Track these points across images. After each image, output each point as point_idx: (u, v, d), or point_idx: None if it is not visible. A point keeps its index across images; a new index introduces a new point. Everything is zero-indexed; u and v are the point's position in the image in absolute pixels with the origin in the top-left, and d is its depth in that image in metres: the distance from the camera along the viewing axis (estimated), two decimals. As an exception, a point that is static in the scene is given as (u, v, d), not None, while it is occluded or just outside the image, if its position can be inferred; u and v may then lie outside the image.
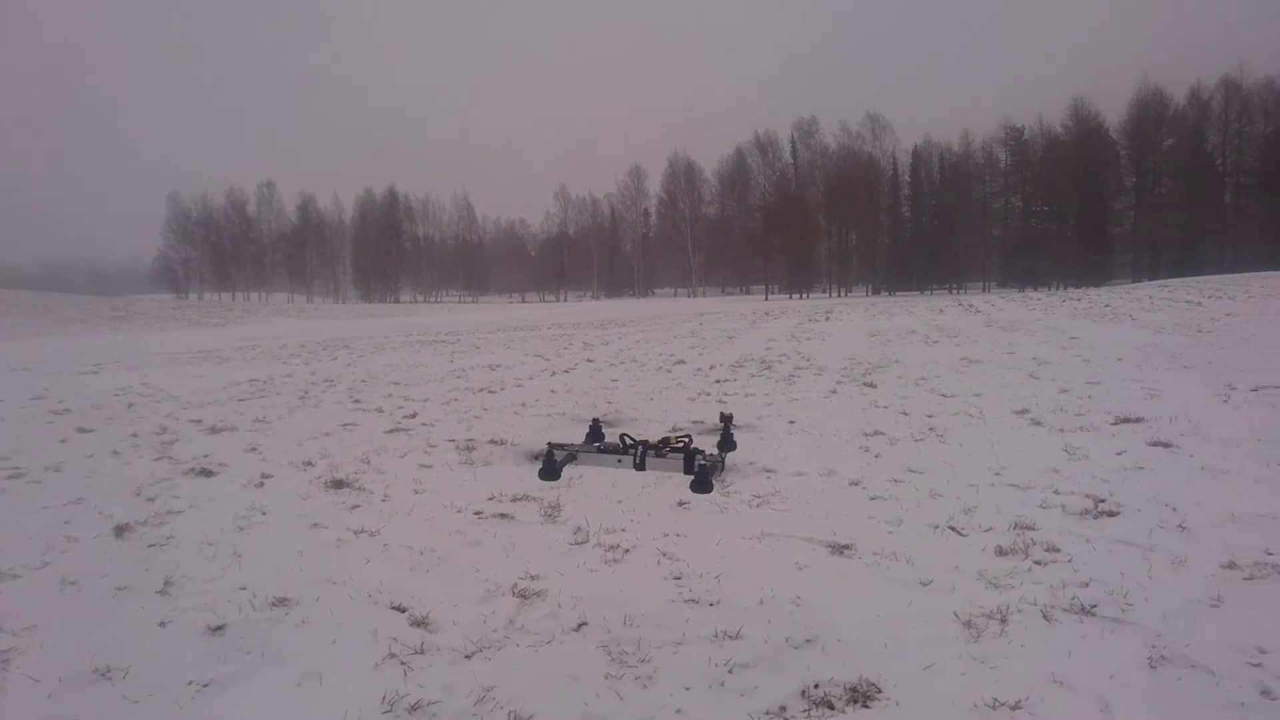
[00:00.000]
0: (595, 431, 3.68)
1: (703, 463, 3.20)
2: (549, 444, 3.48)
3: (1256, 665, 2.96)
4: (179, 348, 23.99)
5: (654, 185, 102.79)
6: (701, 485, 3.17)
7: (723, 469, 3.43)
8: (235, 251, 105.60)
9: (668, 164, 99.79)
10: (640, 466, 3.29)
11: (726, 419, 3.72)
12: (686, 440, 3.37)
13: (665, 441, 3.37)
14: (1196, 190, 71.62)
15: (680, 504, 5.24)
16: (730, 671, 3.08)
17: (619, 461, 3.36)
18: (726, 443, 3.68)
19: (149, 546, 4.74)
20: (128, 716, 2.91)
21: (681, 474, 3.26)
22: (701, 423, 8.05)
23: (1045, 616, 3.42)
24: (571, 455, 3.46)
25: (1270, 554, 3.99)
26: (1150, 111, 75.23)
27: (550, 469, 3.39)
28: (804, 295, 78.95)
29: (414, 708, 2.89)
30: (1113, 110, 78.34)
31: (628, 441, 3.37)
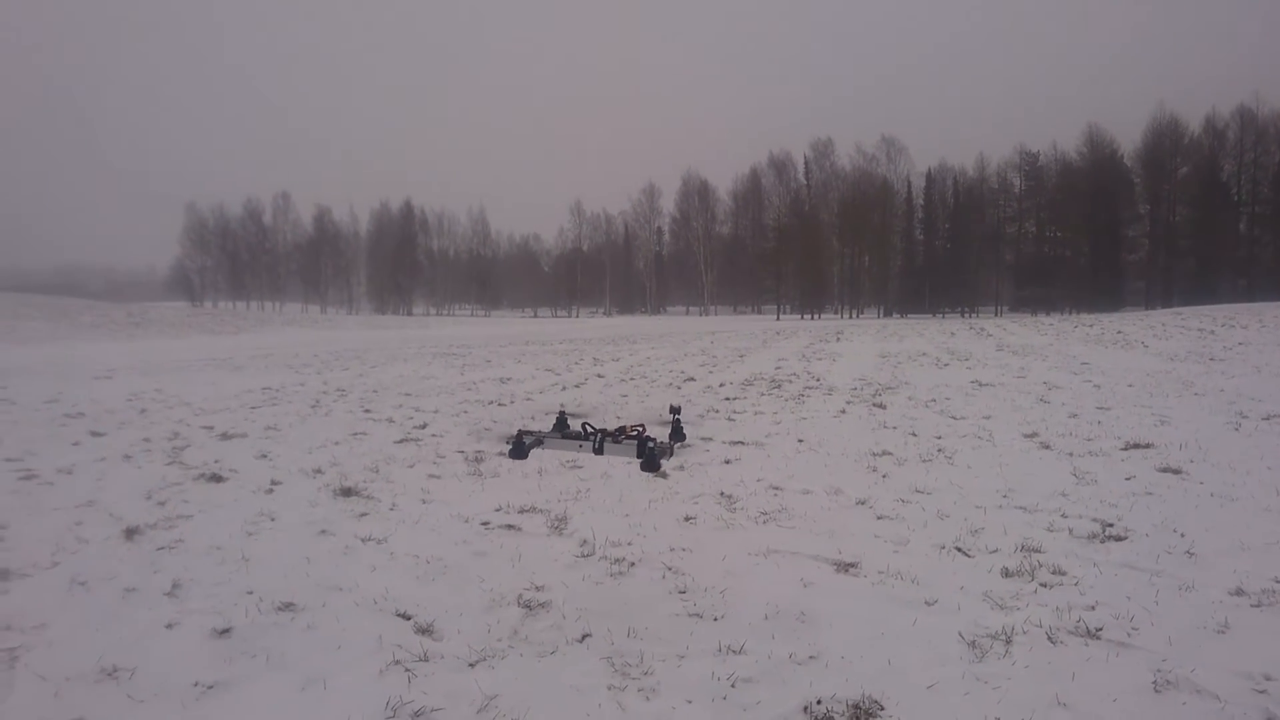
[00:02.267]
0: (561, 420, 4.03)
1: (651, 446, 3.52)
2: (520, 429, 3.89)
3: (1262, 692, 2.95)
4: (193, 355, 24.13)
5: (668, 203, 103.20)
6: (650, 465, 3.51)
7: (671, 454, 3.76)
8: (251, 261, 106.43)
9: (681, 183, 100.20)
10: (599, 451, 3.63)
11: (676, 410, 4.02)
12: (640, 429, 3.78)
13: (621, 430, 3.76)
14: (1210, 219, 71.35)
15: (687, 519, 5.25)
16: (733, 686, 3.08)
17: (580, 446, 3.68)
18: (676, 433, 3.96)
19: (158, 549, 4.77)
20: (133, 716, 2.93)
21: (635, 457, 3.56)
22: (710, 439, 8.05)
23: (1050, 639, 3.41)
24: (539, 440, 3.82)
25: (1278, 582, 3.97)
26: (1165, 139, 75.09)
27: (519, 449, 3.77)
28: (815, 316, 78.95)
29: (417, 715, 2.90)
30: (1128, 137, 78.35)
31: (589, 430, 3.71)
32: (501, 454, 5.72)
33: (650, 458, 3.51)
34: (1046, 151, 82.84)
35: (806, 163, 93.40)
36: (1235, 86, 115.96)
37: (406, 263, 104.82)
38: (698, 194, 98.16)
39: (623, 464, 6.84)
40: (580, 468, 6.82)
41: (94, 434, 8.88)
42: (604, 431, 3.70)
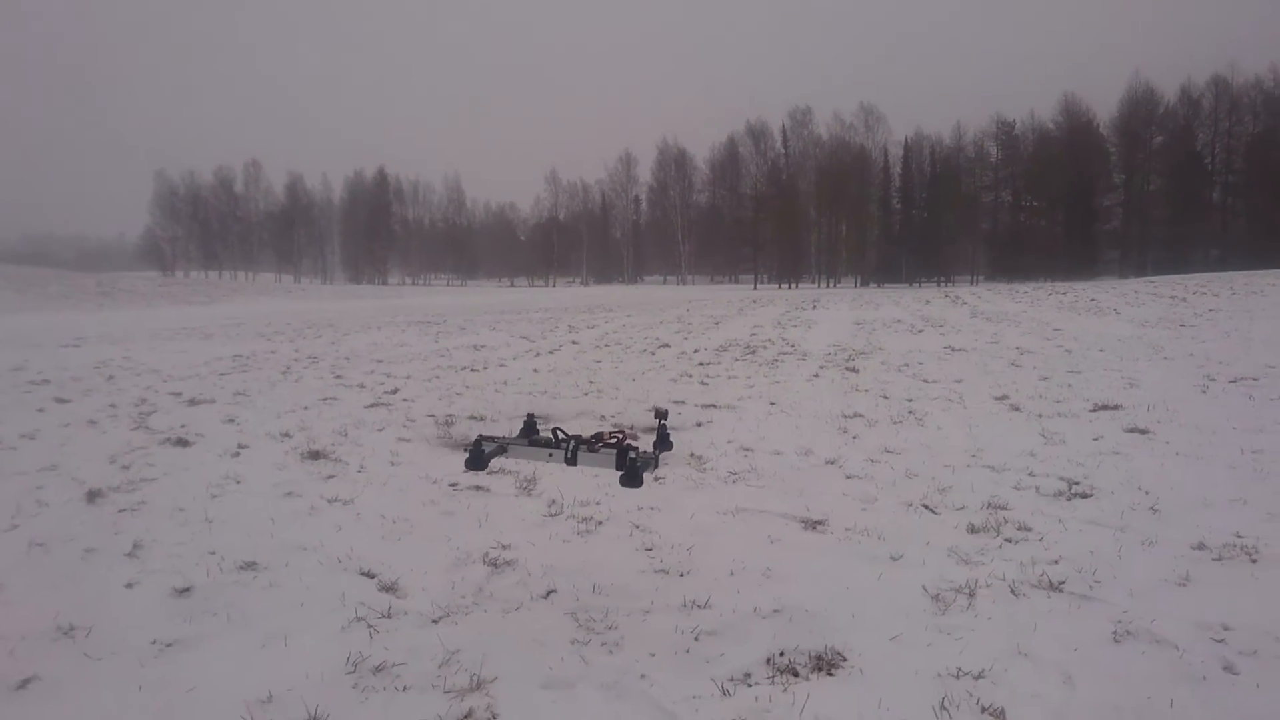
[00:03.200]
0: (529, 426, 3.50)
1: (633, 457, 3.06)
2: (479, 436, 3.33)
3: (1220, 641, 2.97)
4: (164, 325, 23.86)
5: (645, 172, 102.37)
6: (631, 479, 3.04)
7: (656, 466, 3.26)
8: (222, 230, 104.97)
9: (658, 152, 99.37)
10: (571, 461, 3.17)
11: (662, 415, 3.46)
12: (620, 436, 3.23)
13: (598, 437, 3.26)
14: (1185, 188, 71.93)
15: (656, 479, 5.23)
16: (697, 639, 3.08)
17: (550, 455, 3.22)
18: (662, 441, 3.50)
19: (120, 511, 4.71)
20: (89, 674, 2.89)
21: (613, 469, 3.11)
22: (683, 403, 8.05)
23: (1013, 592, 3.43)
24: (501, 448, 3.30)
25: (1240, 536, 4.00)
26: (1140, 108, 75.45)
27: (477, 459, 3.23)
28: (793, 285, 79.02)
29: (378, 669, 2.88)
30: (1104, 106, 78.63)
31: (560, 436, 3.22)
32: (457, 486, 5.26)
33: (632, 471, 3.05)
34: (1023, 120, 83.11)
35: (784, 132, 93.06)
36: (1212, 55, 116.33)
37: (381, 232, 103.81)
38: (675, 163, 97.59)
39: (595, 427, 6.82)
40: (551, 430, 6.79)
41: (59, 400, 8.76)
42: (578, 439, 3.22)
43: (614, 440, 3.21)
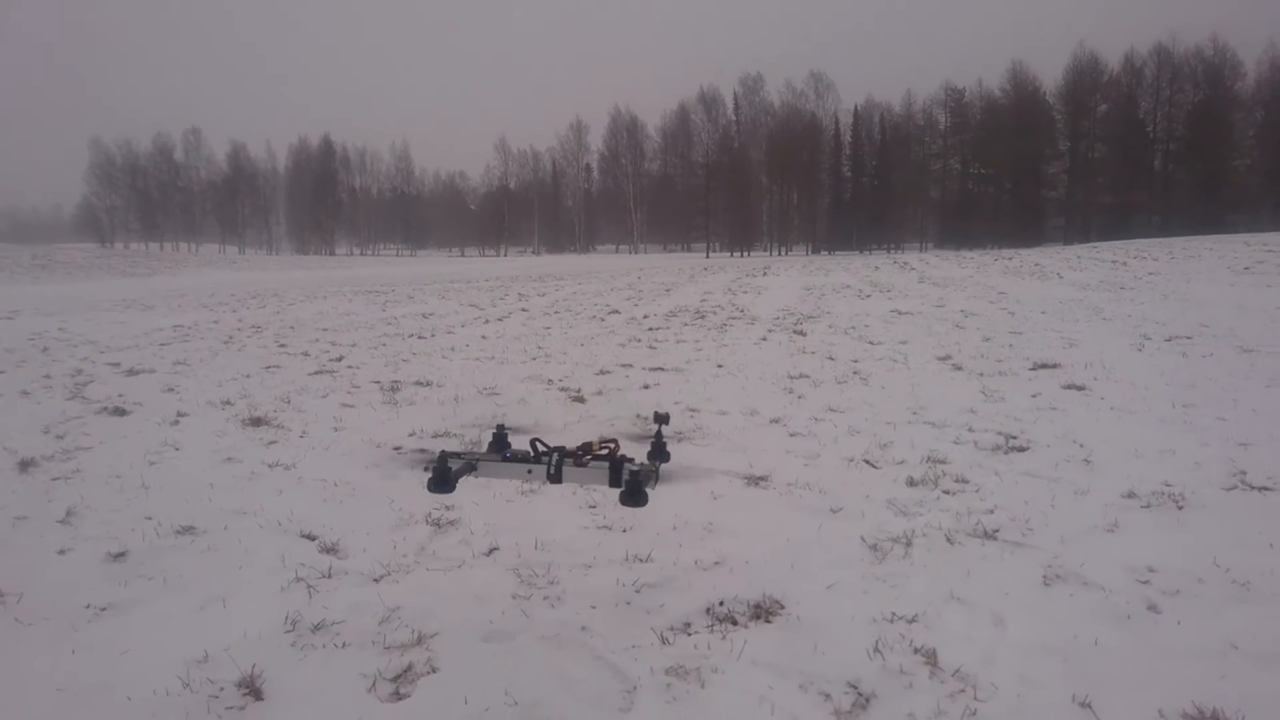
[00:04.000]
0: (500, 439, 2.92)
1: (635, 471, 2.62)
2: (442, 452, 2.80)
3: (1145, 582, 3.06)
4: (102, 297, 23.29)
5: (596, 140, 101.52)
6: (634, 497, 2.58)
7: (657, 480, 2.73)
8: (163, 200, 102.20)
9: (610, 119, 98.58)
10: (556, 478, 2.70)
11: (662, 419, 2.94)
12: (612, 446, 2.76)
13: (587, 448, 2.77)
14: (1128, 156, 73.21)
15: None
16: (638, 591, 3.10)
17: (529, 471, 2.76)
18: (659, 451, 2.90)
19: (53, 480, 4.61)
20: (19, 638, 2.83)
21: (607, 486, 2.69)
22: (630, 366, 8.06)
23: (949, 540, 3.50)
24: (470, 465, 2.81)
25: (1169, 485, 4.13)
26: (1085, 77, 76.43)
27: (442, 480, 2.70)
28: (745, 253, 79.25)
29: (317, 627, 2.86)
30: (1050, 75, 79.50)
31: (540, 449, 2.75)
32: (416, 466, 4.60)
33: (634, 488, 2.58)
34: (972, 89, 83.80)
35: (736, 99, 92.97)
36: (1154, 25, 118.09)
37: (328, 201, 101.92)
38: (626, 130, 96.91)
39: (541, 390, 6.82)
40: (498, 394, 6.77)
41: (-9, 372, 8.53)
42: (561, 451, 2.72)
43: (604, 451, 2.77)
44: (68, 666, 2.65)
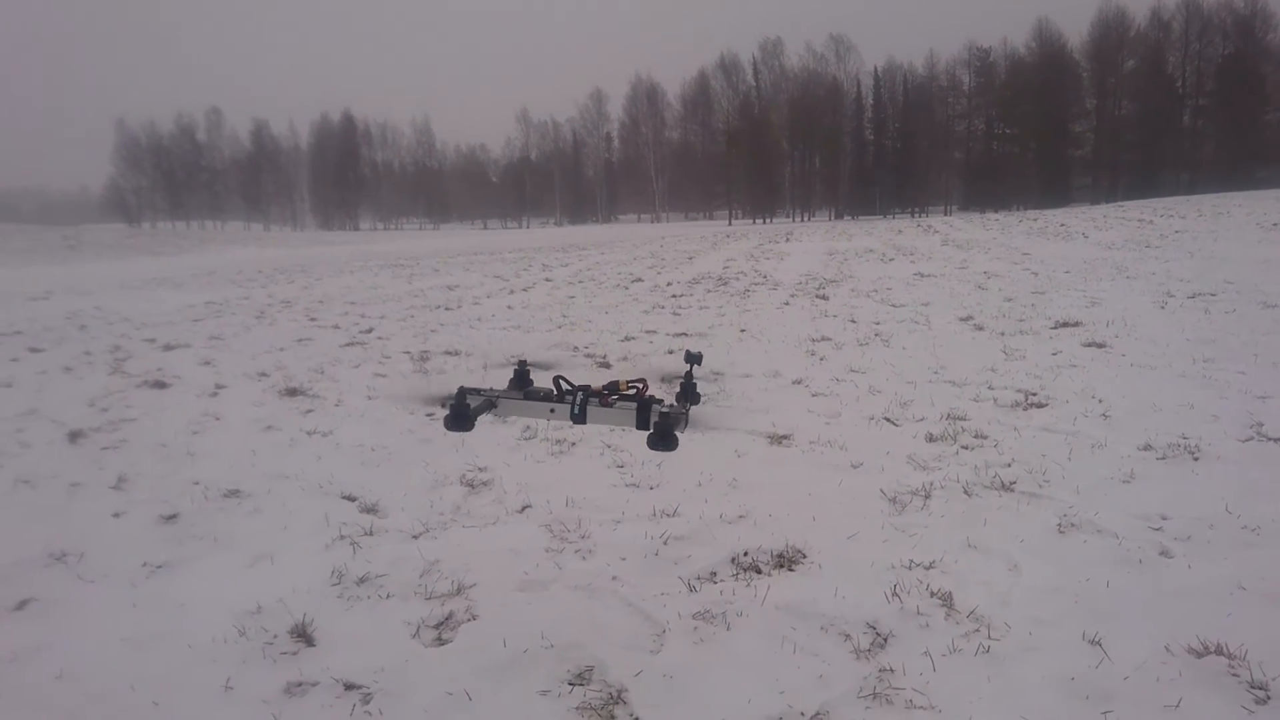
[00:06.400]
0: (521, 375, 2.74)
1: (665, 412, 2.36)
2: (461, 387, 2.60)
3: (1157, 530, 3.16)
4: (133, 275, 23.64)
5: (616, 109, 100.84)
6: (663, 441, 2.34)
7: (687, 423, 2.49)
8: (188, 179, 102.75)
9: (630, 87, 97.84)
10: (580, 418, 2.49)
11: (694, 359, 2.67)
12: (640, 386, 2.52)
13: (613, 387, 2.53)
14: (1155, 112, 71.87)
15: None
16: (665, 544, 3.23)
17: (552, 411, 2.55)
18: (688, 393, 2.65)
19: (102, 449, 4.81)
20: (83, 594, 3.01)
21: (634, 428, 2.47)
22: (654, 332, 8.18)
23: (966, 492, 3.61)
24: (490, 402, 2.61)
25: (1185, 438, 4.19)
26: (1112, 32, 74.97)
27: (460, 417, 2.50)
28: (767, 220, 78.80)
29: (362, 580, 3.02)
30: (1076, 31, 78.03)
31: (564, 386, 2.57)
32: (434, 415, 4.77)
33: (663, 430, 2.33)
34: (997, 48, 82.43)
35: (755, 64, 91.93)
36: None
37: (350, 177, 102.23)
38: (647, 97, 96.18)
39: (568, 357, 6.94)
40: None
41: (32, 350, 8.76)
42: (587, 389, 2.50)
43: (632, 391, 2.53)
44: (130, 619, 2.82)
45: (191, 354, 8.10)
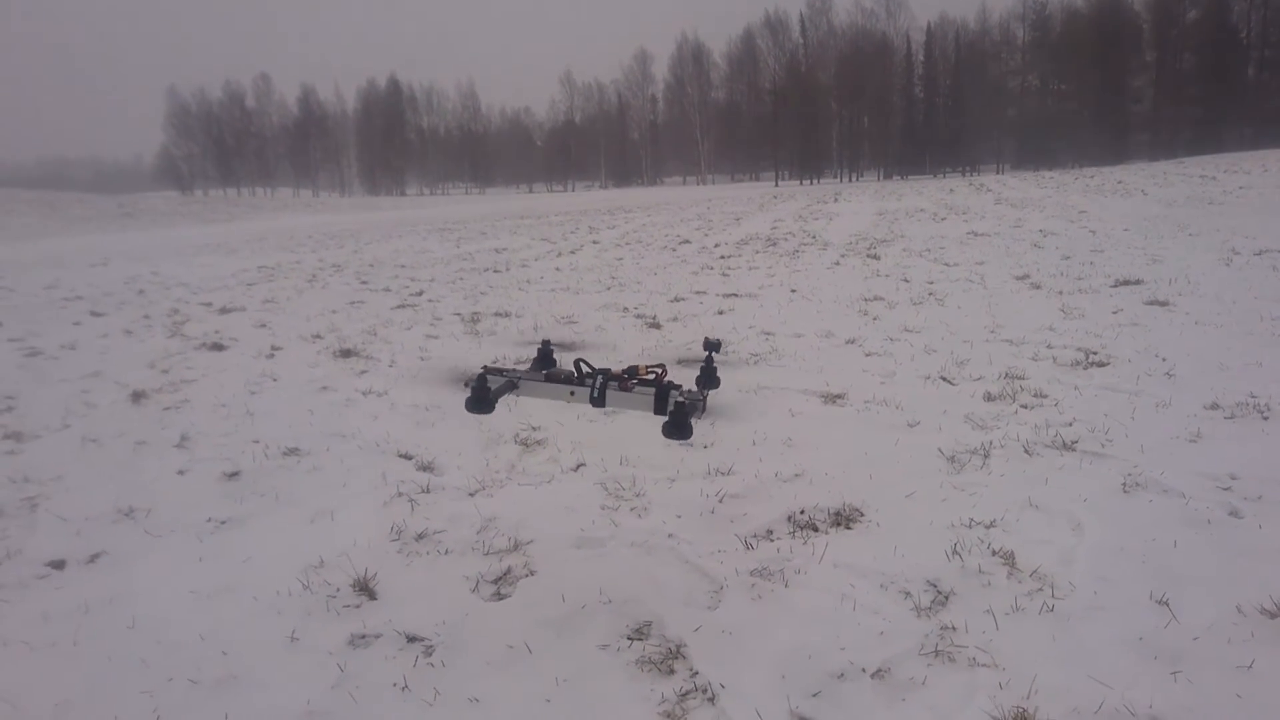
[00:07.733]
0: (545, 356, 2.79)
1: (680, 399, 2.39)
2: (483, 368, 2.68)
3: (1226, 489, 3.08)
4: (187, 243, 24.05)
5: (660, 70, 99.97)
6: (678, 430, 2.34)
7: (704, 410, 2.55)
8: (238, 146, 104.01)
9: (675, 46, 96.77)
10: (599, 401, 2.52)
11: (713, 346, 2.73)
12: (659, 371, 2.54)
13: (632, 371, 2.55)
14: (1218, 64, 69.34)
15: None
16: (721, 501, 3.23)
17: (571, 394, 2.60)
18: (708, 377, 2.72)
19: (165, 409, 4.91)
20: (151, 548, 3.09)
21: (651, 413, 2.50)
22: (704, 293, 8.13)
23: (1027, 451, 3.55)
24: (511, 383, 2.67)
25: (1254, 396, 4.08)
26: (1175, -20, 72.40)
27: (481, 400, 2.56)
28: (814, 180, 77.75)
29: (420, 536, 3.05)
30: (1136, -18, 75.40)
31: (584, 369, 2.61)
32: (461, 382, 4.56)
33: (679, 419, 2.35)
34: (1052, 0, 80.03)
35: (803, 21, 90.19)
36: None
37: (397, 142, 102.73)
38: (693, 57, 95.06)
39: (617, 318, 6.93)
40: (575, 322, 6.92)
41: (94, 314, 8.96)
42: (606, 373, 2.54)
43: (652, 376, 2.54)
44: (197, 572, 2.89)
45: (247, 317, 8.23)
